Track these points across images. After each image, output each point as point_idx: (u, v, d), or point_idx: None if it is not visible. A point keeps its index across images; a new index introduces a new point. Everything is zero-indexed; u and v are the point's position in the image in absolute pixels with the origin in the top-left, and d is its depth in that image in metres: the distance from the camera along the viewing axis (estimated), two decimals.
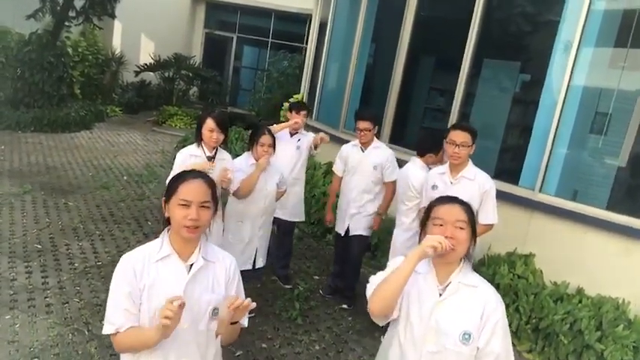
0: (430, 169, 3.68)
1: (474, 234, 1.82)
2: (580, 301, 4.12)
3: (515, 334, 4.14)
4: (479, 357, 1.75)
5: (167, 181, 3.04)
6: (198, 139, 3.33)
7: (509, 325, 4.05)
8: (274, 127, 4.26)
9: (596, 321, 3.86)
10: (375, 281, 1.85)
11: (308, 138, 4.56)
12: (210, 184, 1.76)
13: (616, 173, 5.07)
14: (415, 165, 3.83)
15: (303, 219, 4.73)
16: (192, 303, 1.69)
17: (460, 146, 3.24)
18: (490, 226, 3.41)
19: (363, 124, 4.07)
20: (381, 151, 4.18)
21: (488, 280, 4.34)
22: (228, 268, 1.82)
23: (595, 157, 5.36)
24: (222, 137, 3.30)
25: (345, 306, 4.35)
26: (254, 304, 1.65)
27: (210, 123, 3.24)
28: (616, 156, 5.13)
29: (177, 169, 3.15)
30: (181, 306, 1.52)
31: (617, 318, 3.87)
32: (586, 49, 4.66)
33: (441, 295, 1.79)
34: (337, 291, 4.48)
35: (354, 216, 4.23)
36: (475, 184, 3.31)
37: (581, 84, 4.78)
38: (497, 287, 4.25)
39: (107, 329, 1.70)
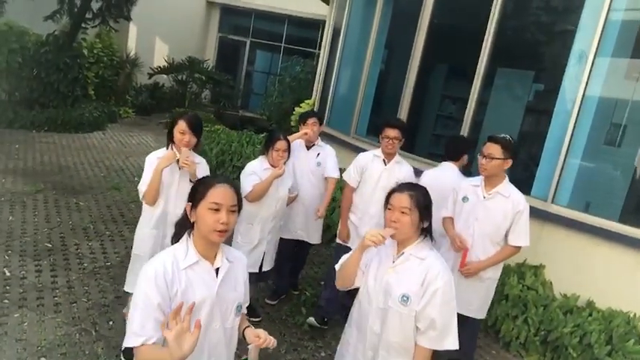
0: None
1: (424, 216, 2.13)
2: (590, 314, 4.07)
3: (524, 346, 4.09)
4: (417, 319, 2.05)
5: (139, 187, 3.07)
6: (169, 142, 3.15)
7: (517, 337, 4.06)
8: None
9: (606, 335, 3.80)
10: (341, 262, 2.28)
11: (326, 151, 4.21)
12: (236, 188, 1.81)
13: (630, 185, 5.01)
14: (454, 172, 3.80)
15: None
16: (222, 304, 1.80)
17: (486, 158, 3.16)
18: (518, 249, 3.29)
19: (393, 132, 3.72)
20: (404, 167, 3.88)
21: (498, 291, 4.30)
22: (243, 266, 1.96)
23: (609, 168, 5.30)
24: (194, 140, 3.09)
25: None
26: (275, 343, 1.85)
27: (181, 125, 3.04)
28: (630, 168, 5.07)
29: (146, 173, 3.06)
30: (191, 308, 1.56)
31: (628, 332, 3.81)
32: (602, 60, 4.61)
33: (394, 262, 2.14)
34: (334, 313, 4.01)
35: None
36: (509, 203, 3.19)
37: (596, 94, 4.74)
38: (505, 298, 4.26)
39: (132, 341, 1.63)
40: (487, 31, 5.38)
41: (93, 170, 7.37)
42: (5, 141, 8.12)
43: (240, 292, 1.89)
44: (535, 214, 4.60)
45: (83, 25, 10.21)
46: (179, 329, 1.50)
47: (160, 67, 13.20)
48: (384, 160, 3.84)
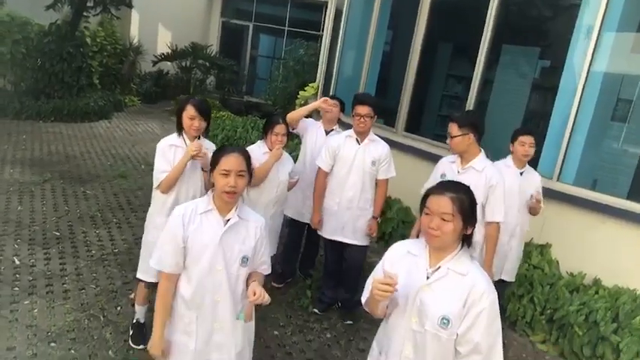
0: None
1: (469, 222, 1.81)
2: (596, 292, 4.06)
3: (530, 325, 4.10)
4: (458, 343, 1.78)
5: (154, 175, 3.06)
6: (179, 128, 3.10)
7: (523, 316, 4.06)
8: (292, 114, 4.01)
9: (612, 312, 3.79)
10: (366, 286, 1.96)
11: (379, 146, 3.85)
12: (246, 155, 2.13)
13: (638, 161, 4.94)
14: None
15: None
16: (226, 250, 2.10)
17: (449, 137, 3.26)
18: (497, 224, 3.23)
19: (363, 109, 3.58)
20: (380, 145, 3.73)
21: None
22: (259, 227, 2.19)
23: (616, 144, 5.23)
24: (204, 125, 3.06)
25: (349, 322, 3.93)
26: (268, 300, 2.03)
27: (190, 110, 2.99)
28: (638, 144, 5.00)
29: (159, 160, 3.03)
30: None
31: (635, 309, 3.79)
32: (608, 34, 4.52)
33: (428, 277, 1.84)
34: (332, 304, 4.08)
35: (349, 221, 3.76)
36: (482, 177, 3.19)
37: (602, 70, 4.65)
38: None
39: (155, 264, 2.13)
40: (490, 7, 5.28)
41: (99, 159, 7.42)
42: (13, 131, 8.19)
43: (248, 247, 2.14)
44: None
45: (85, 13, 10.19)
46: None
47: (163, 54, 13.15)
48: (357, 140, 3.70)
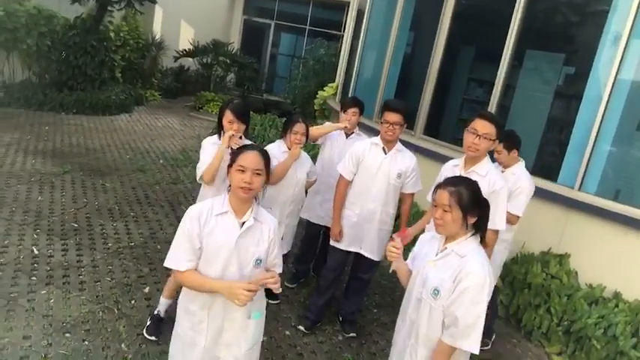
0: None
1: (469, 212, 2.07)
2: (616, 306, 3.97)
3: (545, 336, 4.02)
4: (444, 315, 2.06)
5: (197, 169, 3.13)
6: (220, 130, 3.24)
7: (539, 326, 3.99)
8: (313, 131, 3.93)
9: (632, 327, 3.70)
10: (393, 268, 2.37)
11: (406, 157, 3.62)
12: (265, 156, 2.13)
13: None
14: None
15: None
16: (240, 252, 2.09)
17: (482, 137, 2.93)
18: (495, 232, 2.97)
19: (394, 117, 3.35)
20: (407, 156, 3.52)
21: (520, 279, 4.23)
22: (272, 229, 2.20)
23: None
24: (243, 127, 3.17)
25: (352, 334, 3.74)
26: (279, 288, 2.04)
27: (228, 115, 3.12)
28: None
29: (203, 155, 3.16)
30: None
31: None
32: (636, 42, 4.41)
33: (437, 255, 2.17)
34: (319, 322, 3.82)
35: (368, 234, 3.57)
36: (485, 182, 2.93)
37: (629, 78, 4.54)
38: (528, 286, 4.18)
39: (173, 264, 2.08)
40: (515, 11, 5.20)
41: (119, 152, 7.50)
42: (35, 122, 8.33)
43: (262, 249, 2.14)
44: (561, 201, 4.52)
45: (109, 8, 10.31)
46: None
47: (185, 50, 13.28)
48: (383, 149, 3.47)
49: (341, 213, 3.59)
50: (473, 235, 2.13)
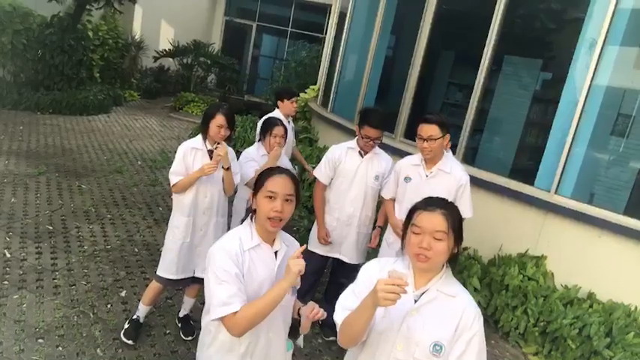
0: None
1: (459, 239, 1.69)
2: (591, 306, 4.04)
3: (522, 336, 4.08)
4: None
5: (169, 175, 3.10)
6: (204, 132, 3.15)
7: (516, 327, 4.04)
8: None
9: (606, 327, 3.78)
10: (342, 305, 1.73)
11: (383, 160, 3.53)
12: (294, 180, 1.91)
13: (636, 177, 4.93)
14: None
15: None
16: None
17: (428, 140, 3.04)
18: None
19: (374, 133, 3.31)
20: (384, 159, 3.51)
21: (498, 281, 4.28)
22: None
23: (615, 159, 5.22)
24: (229, 133, 3.14)
25: (332, 338, 3.61)
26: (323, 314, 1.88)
27: (219, 119, 3.06)
28: (637, 159, 4.99)
29: (177, 162, 3.09)
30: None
31: (628, 325, 3.78)
32: (611, 48, 4.51)
33: (416, 301, 1.68)
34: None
35: (347, 239, 3.56)
36: (452, 178, 3.14)
37: (604, 84, 4.64)
38: (505, 288, 4.24)
39: (224, 311, 1.73)
40: (494, 17, 5.27)
41: (96, 153, 7.38)
42: (9, 122, 8.14)
43: None
44: (538, 204, 4.59)
45: (88, 6, 10.15)
46: None
47: (165, 50, 13.14)
48: (360, 152, 3.45)
49: (324, 217, 3.58)
50: (446, 267, 1.74)
